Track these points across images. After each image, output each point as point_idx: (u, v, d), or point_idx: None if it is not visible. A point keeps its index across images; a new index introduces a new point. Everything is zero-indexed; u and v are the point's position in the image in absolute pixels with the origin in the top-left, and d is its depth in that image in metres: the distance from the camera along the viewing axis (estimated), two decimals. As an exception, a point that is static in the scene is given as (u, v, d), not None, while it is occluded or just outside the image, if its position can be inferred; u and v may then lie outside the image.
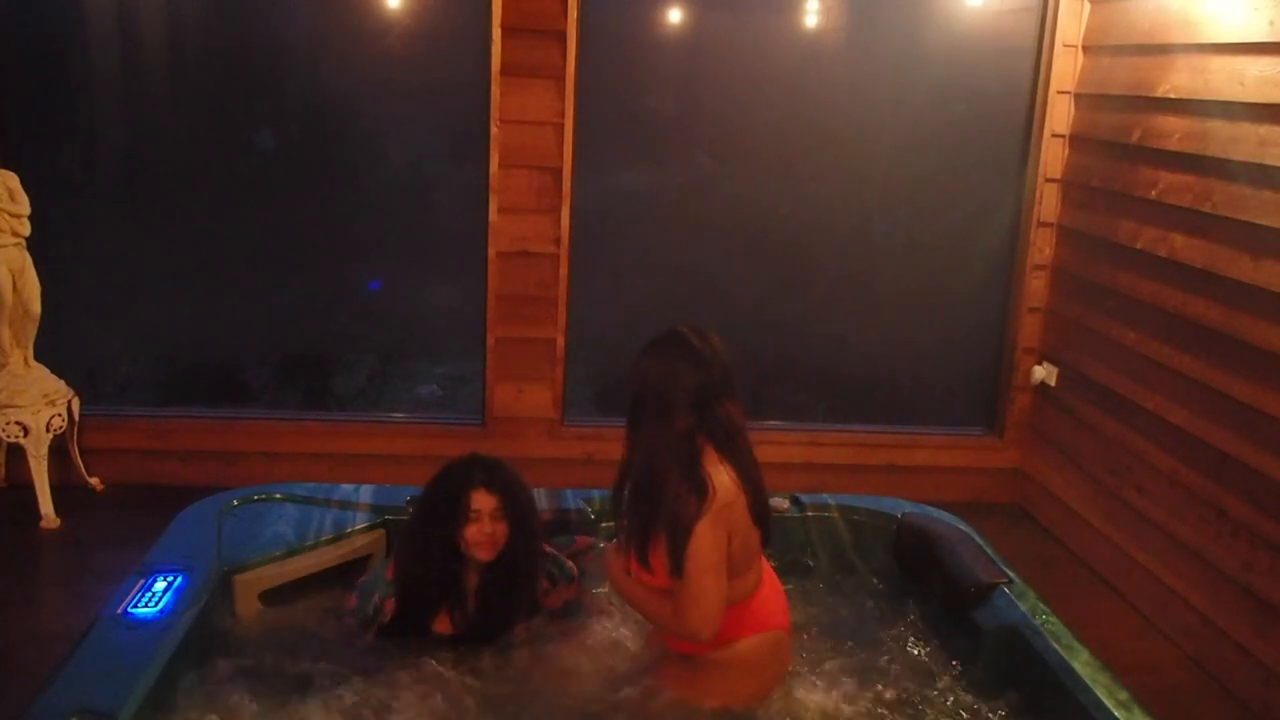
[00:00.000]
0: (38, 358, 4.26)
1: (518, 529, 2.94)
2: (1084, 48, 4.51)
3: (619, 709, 2.82)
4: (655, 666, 2.87)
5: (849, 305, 5.00)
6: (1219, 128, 3.60)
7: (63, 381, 4.29)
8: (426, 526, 2.94)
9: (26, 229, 4.09)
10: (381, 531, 3.46)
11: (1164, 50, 3.91)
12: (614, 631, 3.13)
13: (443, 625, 3.00)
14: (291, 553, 3.26)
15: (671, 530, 2.53)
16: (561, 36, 4.34)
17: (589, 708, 2.86)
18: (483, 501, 2.88)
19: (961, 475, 4.87)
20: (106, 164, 4.81)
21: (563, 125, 4.42)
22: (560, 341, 4.64)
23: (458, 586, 2.98)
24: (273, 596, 3.22)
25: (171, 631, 2.76)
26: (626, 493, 2.69)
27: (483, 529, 2.89)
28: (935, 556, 3.47)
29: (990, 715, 2.94)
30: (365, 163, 4.76)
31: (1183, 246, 3.79)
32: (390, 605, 2.98)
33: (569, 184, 4.48)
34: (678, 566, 2.53)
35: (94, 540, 4.06)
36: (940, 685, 3.06)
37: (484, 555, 2.91)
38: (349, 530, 3.41)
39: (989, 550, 3.44)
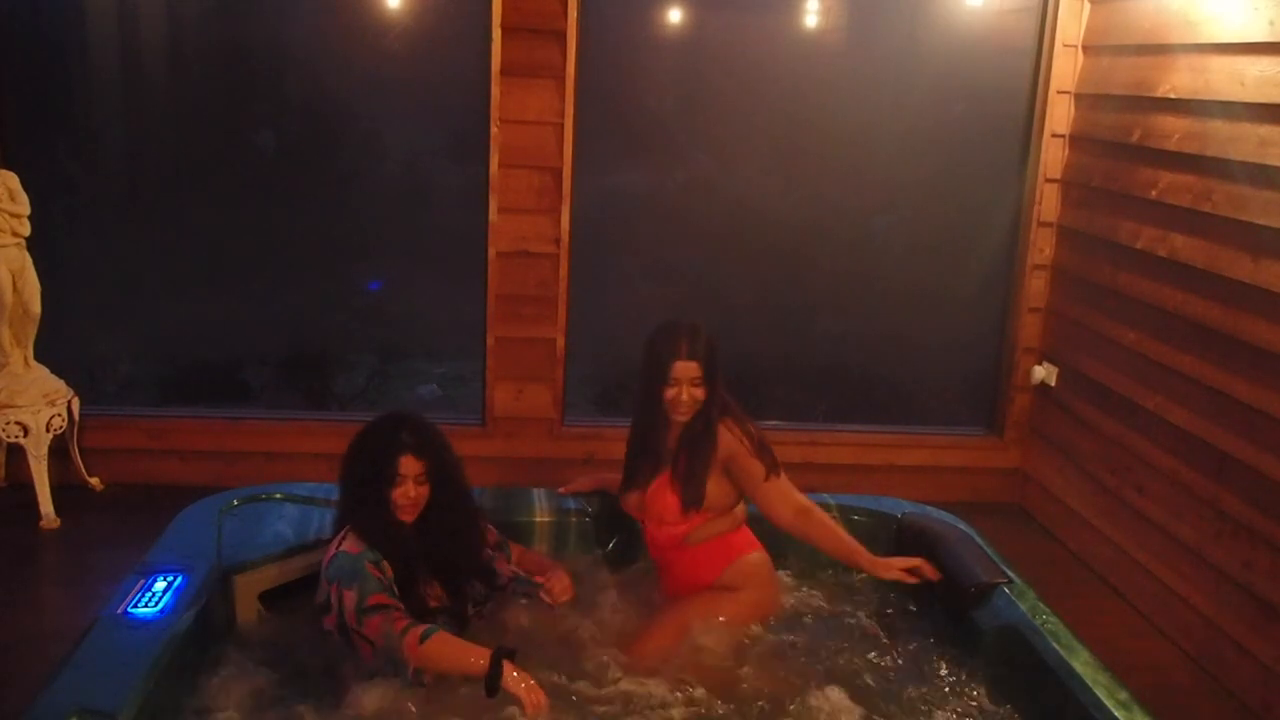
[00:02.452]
0: (38, 358, 4.26)
1: (447, 489, 2.99)
2: (1084, 48, 4.51)
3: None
4: (676, 608, 3.21)
5: (849, 305, 5.00)
6: (1219, 128, 3.60)
7: (63, 381, 4.29)
8: (368, 493, 2.92)
9: (26, 229, 4.09)
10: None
11: (1164, 50, 3.91)
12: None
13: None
14: (291, 553, 3.26)
15: (757, 445, 3.15)
16: (561, 36, 4.34)
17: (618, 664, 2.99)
18: (410, 467, 2.91)
19: (961, 475, 4.87)
20: (106, 164, 4.80)
21: (563, 125, 4.42)
22: (560, 341, 4.64)
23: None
24: (272, 597, 3.22)
25: (171, 631, 2.76)
26: (683, 453, 3.17)
27: (406, 492, 2.91)
28: (935, 556, 3.46)
29: (990, 715, 2.94)
30: (365, 163, 4.76)
31: (1183, 246, 3.79)
32: (388, 568, 2.87)
33: (569, 184, 4.48)
34: (773, 464, 3.15)
35: (94, 540, 4.06)
36: (940, 685, 3.06)
37: (405, 518, 2.93)
38: (349, 530, 3.40)
39: (989, 550, 3.44)
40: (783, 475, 3.18)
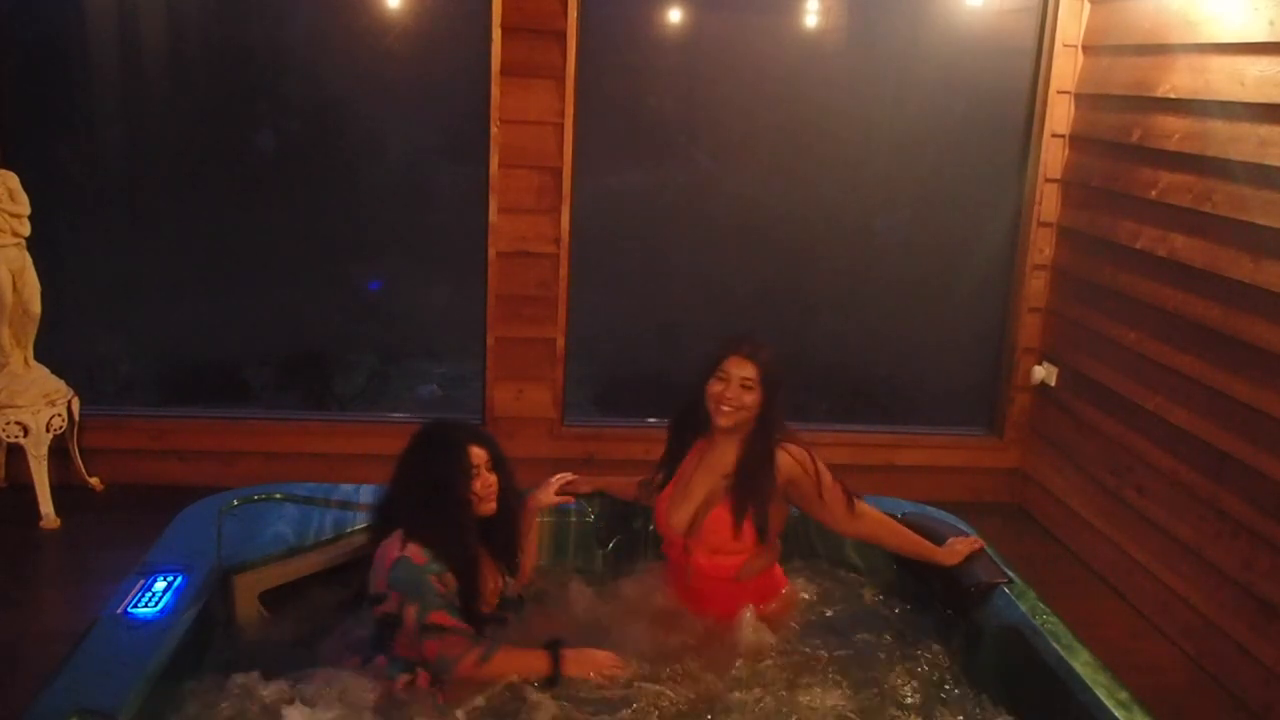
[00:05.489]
0: (38, 358, 4.26)
1: (505, 476, 3.02)
2: (1084, 48, 4.51)
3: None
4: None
5: (849, 305, 5.00)
6: (1219, 128, 3.60)
7: (63, 381, 4.29)
8: (443, 495, 2.89)
9: (26, 229, 4.09)
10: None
11: (1164, 50, 3.91)
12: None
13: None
14: (291, 553, 3.26)
15: (818, 467, 3.11)
16: (561, 36, 4.34)
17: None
18: (479, 456, 2.95)
19: (961, 475, 4.87)
20: (106, 164, 4.80)
21: (563, 125, 4.42)
22: (560, 341, 4.64)
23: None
24: (272, 597, 3.22)
25: (171, 631, 2.76)
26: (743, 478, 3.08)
27: (485, 482, 2.94)
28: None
29: (990, 715, 2.94)
30: (365, 163, 4.76)
31: (1183, 246, 3.79)
32: (451, 579, 2.86)
33: (569, 184, 4.48)
34: (839, 486, 3.14)
35: (94, 540, 4.06)
36: (940, 685, 3.06)
37: (489, 508, 2.95)
38: (349, 530, 3.40)
39: (989, 550, 3.44)
40: (842, 491, 3.15)
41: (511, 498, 3.06)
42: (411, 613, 2.79)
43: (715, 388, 3.05)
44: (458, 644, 2.79)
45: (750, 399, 3.04)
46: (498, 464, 2.99)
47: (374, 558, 2.90)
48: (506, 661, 2.81)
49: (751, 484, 3.07)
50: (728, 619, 3.16)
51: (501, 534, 3.05)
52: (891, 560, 3.62)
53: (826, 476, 3.12)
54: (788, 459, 3.08)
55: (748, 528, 3.07)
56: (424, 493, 2.89)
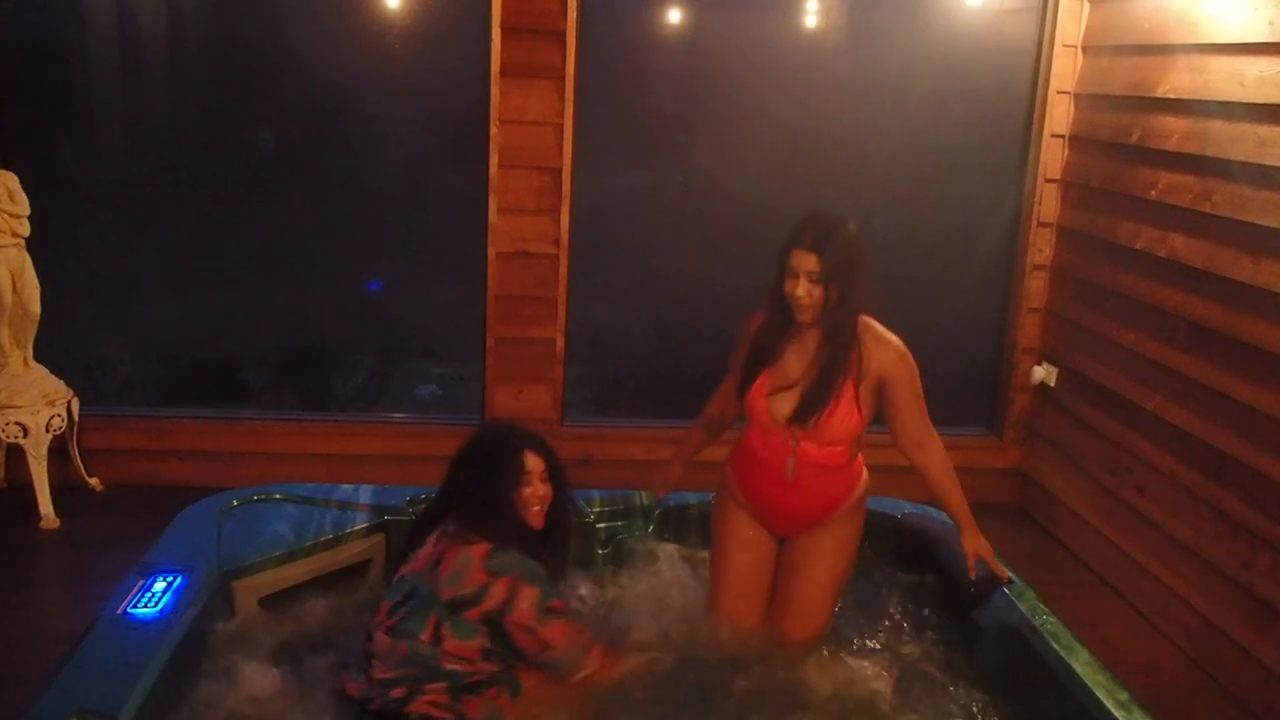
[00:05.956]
0: (37, 358, 4.26)
1: (562, 491, 2.86)
2: (1084, 48, 4.51)
3: None
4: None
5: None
6: (1219, 128, 3.60)
7: (62, 382, 4.29)
8: (491, 497, 2.74)
9: (26, 229, 4.09)
10: (381, 536, 3.45)
11: (1164, 50, 3.91)
12: None
13: None
14: (291, 555, 3.26)
15: (916, 372, 3.11)
16: (561, 36, 4.34)
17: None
18: (534, 464, 2.78)
19: (961, 475, 4.80)
20: (106, 164, 4.80)
21: (562, 125, 4.42)
22: (560, 341, 4.64)
23: None
24: (273, 601, 3.22)
25: (171, 632, 2.77)
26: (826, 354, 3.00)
27: (536, 492, 2.77)
28: (935, 556, 3.47)
29: (990, 715, 2.94)
30: (365, 163, 4.76)
31: (1183, 246, 3.79)
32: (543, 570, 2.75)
33: (569, 184, 4.48)
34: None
35: (93, 540, 4.06)
36: (940, 685, 3.06)
37: (536, 522, 2.77)
38: (348, 531, 3.40)
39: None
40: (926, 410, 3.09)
41: (566, 514, 2.88)
42: (531, 596, 2.61)
43: (788, 286, 2.94)
44: (584, 632, 2.67)
45: (820, 292, 2.90)
46: (554, 476, 2.81)
47: (438, 562, 2.65)
48: (625, 661, 2.72)
49: (853, 369, 3.00)
50: (827, 510, 3.14)
51: (546, 552, 2.79)
52: (891, 559, 3.63)
53: (916, 373, 3.10)
54: (893, 351, 3.05)
55: (863, 409, 3.03)
56: (486, 494, 2.73)
